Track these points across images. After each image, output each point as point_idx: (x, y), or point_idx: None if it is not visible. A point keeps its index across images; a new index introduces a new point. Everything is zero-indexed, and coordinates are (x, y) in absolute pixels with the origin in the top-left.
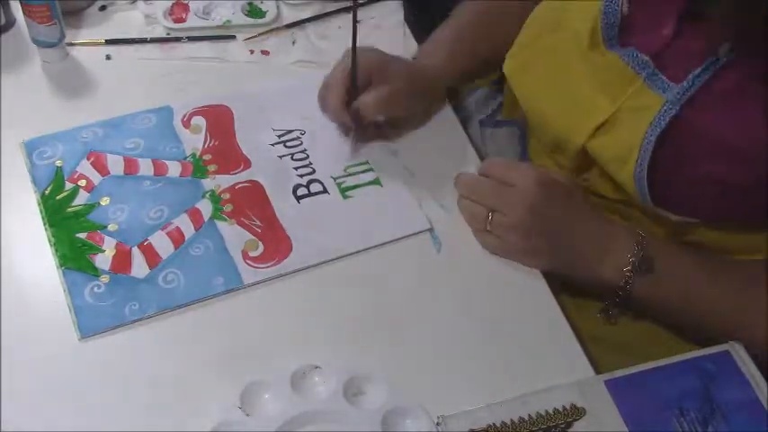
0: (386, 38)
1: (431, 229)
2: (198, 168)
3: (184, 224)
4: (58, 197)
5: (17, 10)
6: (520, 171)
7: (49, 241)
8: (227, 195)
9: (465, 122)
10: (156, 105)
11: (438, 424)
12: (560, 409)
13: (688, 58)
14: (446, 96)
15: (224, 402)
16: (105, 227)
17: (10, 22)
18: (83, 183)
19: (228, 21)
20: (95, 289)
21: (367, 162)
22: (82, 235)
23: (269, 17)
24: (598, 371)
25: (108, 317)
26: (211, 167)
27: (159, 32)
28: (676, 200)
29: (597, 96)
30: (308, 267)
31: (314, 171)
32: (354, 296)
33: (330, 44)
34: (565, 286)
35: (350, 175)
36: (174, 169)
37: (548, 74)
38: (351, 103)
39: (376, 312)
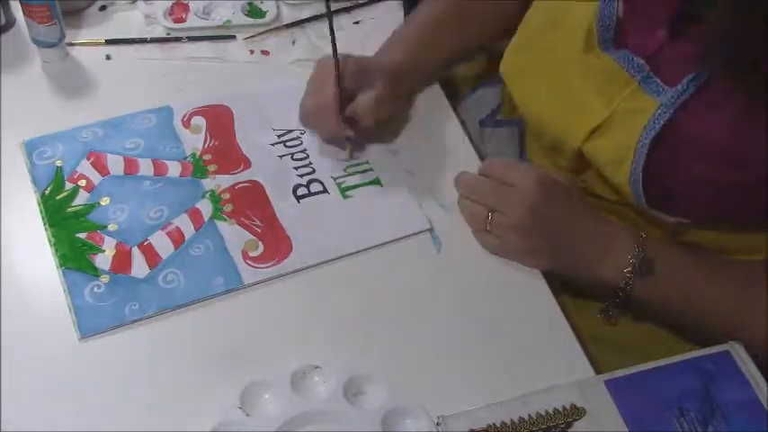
0: (386, 38)
1: (431, 229)
2: (198, 168)
3: (184, 224)
4: (57, 197)
5: (17, 10)
6: (520, 171)
7: (49, 241)
8: (227, 195)
9: (465, 122)
10: (156, 105)
11: (438, 424)
12: (560, 409)
13: (682, 61)
14: (444, 96)
15: (224, 402)
16: (105, 227)
17: (10, 22)
18: (83, 183)
19: (228, 21)
20: (95, 289)
21: (367, 162)
22: (82, 235)
23: (269, 17)
24: (598, 371)
25: (108, 317)
26: (211, 167)
27: (159, 32)
28: (671, 202)
29: (592, 99)
30: (308, 267)
31: (314, 171)
32: (354, 296)
33: (330, 44)
34: (565, 286)
35: (350, 175)
36: (174, 169)
37: (544, 75)
38: (342, 114)
39: (376, 312)
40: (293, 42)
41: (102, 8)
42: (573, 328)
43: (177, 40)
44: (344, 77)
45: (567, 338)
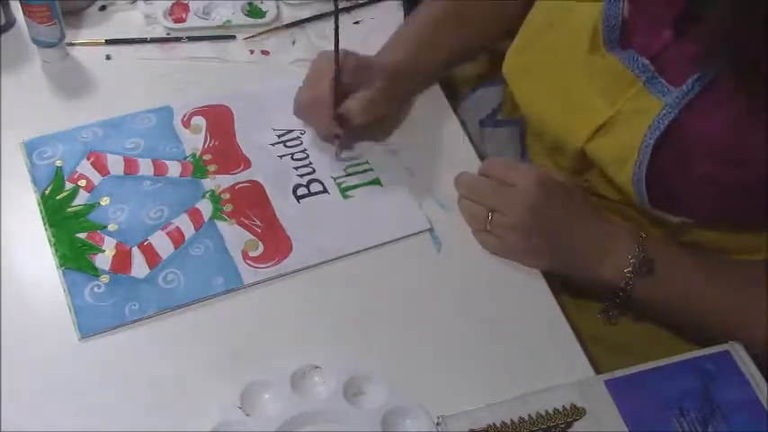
0: (386, 38)
1: (431, 229)
2: (198, 168)
3: (184, 224)
4: (57, 197)
5: (17, 10)
6: (520, 171)
7: (49, 241)
8: (227, 195)
9: (465, 122)
10: (156, 105)
11: (438, 424)
12: (560, 409)
13: (687, 61)
14: (444, 96)
15: (224, 402)
16: (105, 227)
17: (10, 22)
18: (83, 183)
19: (228, 21)
20: (95, 289)
21: (367, 162)
22: (82, 235)
23: (269, 17)
24: (598, 371)
25: (108, 317)
26: (211, 167)
27: (159, 32)
28: (675, 202)
29: (596, 99)
30: (308, 267)
31: (314, 171)
32: (354, 296)
33: (330, 44)
34: (565, 286)
35: (350, 174)
36: (174, 169)
37: (547, 75)
38: (335, 110)
39: (376, 312)
40: (293, 42)
41: (102, 8)
42: (573, 328)
43: (177, 40)
44: (343, 74)
45: (567, 338)
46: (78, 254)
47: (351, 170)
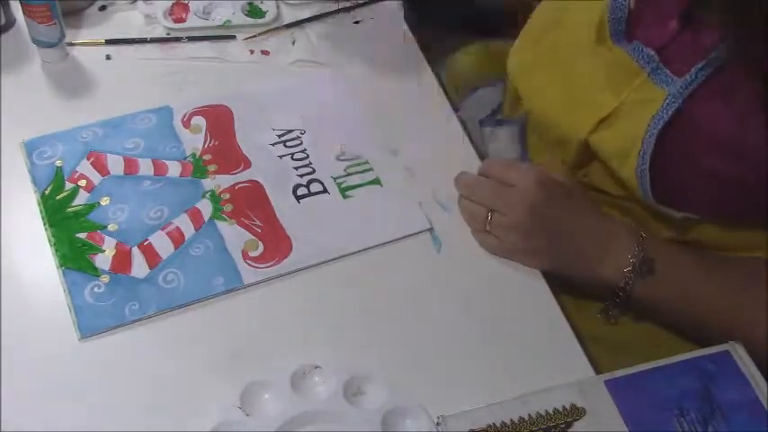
0: (386, 38)
1: (431, 229)
2: (198, 168)
3: (184, 224)
4: (58, 197)
5: (17, 10)
6: (520, 171)
7: (49, 241)
8: (227, 195)
9: (465, 122)
10: (156, 105)
11: (438, 424)
12: (560, 409)
13: (692, 52)
14: (444, 96)
15: (224, 402)
16: (105, 227)
17: (10, 22)
18: (83, 183)
19: (228, 21)
20: (95, 289)
21: (367, 162)
22: (82, 235)
23: (269, 17)
24: (598, 371)
25: (108, 317)
26: (211, 167)
27: (159, 32)
28: (679, 195)
29: (601, 91)
30: (308, 267)
31: (314, 171)
32: (354, 296)
33: (330, 44)
34: (565, 286)
35: (350, 174)
36: (174, 169)
37: (552, 70)
38: None
39: (376, 312)
40: (293, 42)
41: (102, 8)
42: (573, 328)
43: (177, 40)
44: None
45: (567, 338)
46: (78, 254)
47: (351, 170)
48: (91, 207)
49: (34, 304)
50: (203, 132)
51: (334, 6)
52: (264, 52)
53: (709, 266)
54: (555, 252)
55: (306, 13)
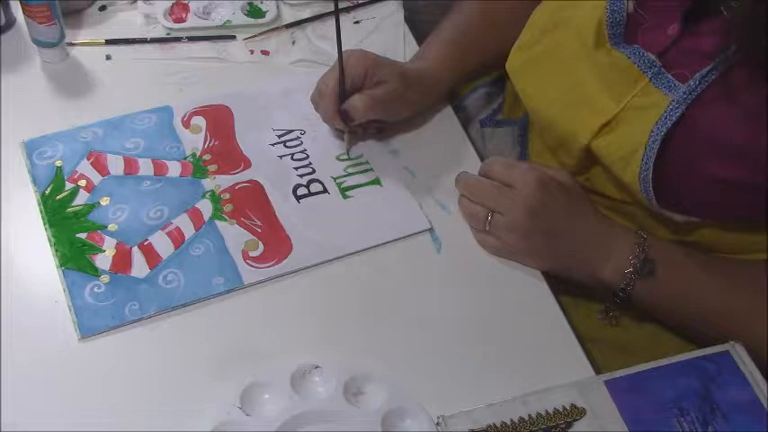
0: (386, 38)
1: (431, 229)
2: (198, 168)
3: (184, 224)
4: (58, 197)
5: (17, 10)
6: (520, 171)
7: (49, 241)
8: (227, 195)
9: (465, 122)
10: (156, 105)
11: (438, 424)
12: (560, 409)
13: (694, 57)
14: (446, 97)
15: (224, 402)
16: (105, 227)
17: (10, 22)
18: (83, 183)
19: (228, 21)
20: (95, 289)
21: (367, 162)
22: (82, 235)
23: (269, 17)
24: (598, 371)
25: (108, 317)
26: (211, 167)
27: (159, 32)
28: (681, 200)
29: (602, 95)
30: (308, 267)
31: (314, 171)
32: (354, 296)
33: (330, 44)
34: (565, 286)
35: (350, 175)
36: (174, 169)
37: (552, 72)
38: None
39: (376, 312)
40: (293, 42)
41: (102, 8)
42: (573, 328)
43: (177, 40)
44: (356, 70)
45: (567, 338)
46: (78, 254)
47: (351, 170)
48: (91, 207)
49: (34, 304)
50: (203, 132)
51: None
52: (264, 52)
53: (709, 268)
54: (555, 253)
55: (306, 13)
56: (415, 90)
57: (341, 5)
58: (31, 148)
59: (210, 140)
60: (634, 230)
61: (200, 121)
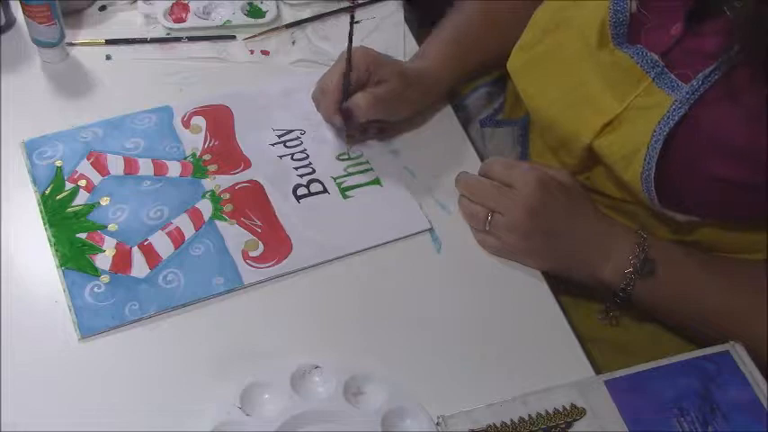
0: (386, 38)
1: (431, 229)
2: (198, 168)
3: (184, 224)
4: (58, 197)
5: (17, 10)
6: (520, 171)
7: (49, 241)
8: (227, 195)
9: (465, 122)
10: (156, 105)
11: (438, 424)
12: (560, 409)
13: (697, 57)
14: (446, 97)
15: (224, 402)
16: (105, 227)
17: (10, 22)
18: (83, 183)
19: (228, 21)
20: (95, 289)
21: (367, 162)
22: (82, 235)
23: (269, 17)
24: (598, 371)
25: (108, 317)
26: (211, 167)
27: (159, 32)
28: (684, 199)
29: (605, 95)
30: (308, 267)
31: (314, 171)
32: (354, 296)
33: (330, 44)
34: (565, 286)
35: (350, 175)
36: (174, 169)
37: (553, 72)
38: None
39: (376, 312)
40: (293, 42)
41: (102, 8)
42: (573, 328)
43: (177, 40)
44: (360, 68)
45: (567, 338)
46: (78, 254)
47: (351, 170)
48: (91, 207)
49: (34, 304)
50: (203, 132)
51: (335, 6)
52: (264, 52)
53: (709, 267)
54: (555, 253)
55: (306, 13)
56: (415, 89)
57: (340, 5)
58: (31, 148)
59: (210, 140)
60: (634, 230)
61: (200, 121)
